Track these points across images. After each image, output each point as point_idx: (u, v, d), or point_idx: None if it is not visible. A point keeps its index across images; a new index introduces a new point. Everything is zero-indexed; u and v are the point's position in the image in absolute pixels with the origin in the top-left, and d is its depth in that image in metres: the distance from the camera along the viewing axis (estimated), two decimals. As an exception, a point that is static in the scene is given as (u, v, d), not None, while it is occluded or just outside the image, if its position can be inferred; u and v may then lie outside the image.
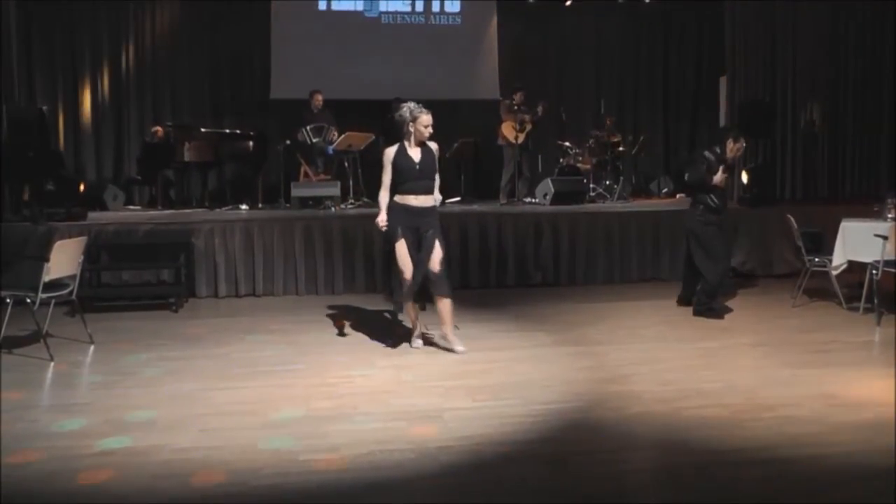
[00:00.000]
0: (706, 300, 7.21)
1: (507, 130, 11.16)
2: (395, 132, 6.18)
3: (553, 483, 3.71)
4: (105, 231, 8.41)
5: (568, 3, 13.87)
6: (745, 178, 10.62)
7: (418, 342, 6.16)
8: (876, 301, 7.00)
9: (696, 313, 7.23)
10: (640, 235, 9.34)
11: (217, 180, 12.21)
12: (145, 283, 8.41)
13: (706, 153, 7.31)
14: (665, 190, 12.88)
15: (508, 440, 4.18)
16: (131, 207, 11.31)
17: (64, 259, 5.93)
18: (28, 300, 5.73)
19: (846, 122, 11.54)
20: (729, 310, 7.38)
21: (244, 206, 10.46)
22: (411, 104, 5.96)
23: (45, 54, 11.89)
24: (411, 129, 5.88)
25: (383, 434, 4.26)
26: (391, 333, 6.57)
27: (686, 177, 7.63)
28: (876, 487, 3.62)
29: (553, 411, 4.63)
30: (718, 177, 7.12)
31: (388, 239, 6.01)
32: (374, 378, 5.37)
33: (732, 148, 7.26)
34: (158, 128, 11.56)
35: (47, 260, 5.72)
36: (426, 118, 5.88)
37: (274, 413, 4.61)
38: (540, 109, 11.16)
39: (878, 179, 11.18)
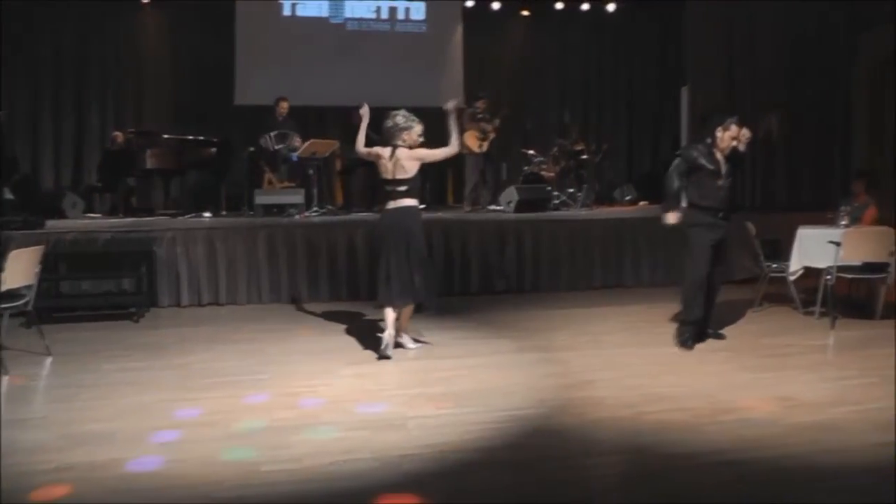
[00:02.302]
0: (684, 325, 6.42)
1: (470, 140, 11.20)
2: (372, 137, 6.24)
3: (517, 489, 3.73)
4: (64, 240, 8.26)
5: (525, 12, 13.99)
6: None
7: (390, 349, 6.11)
8: (830, 305, 7.14)
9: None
10: (604, 242, 9.43)
11: (180, 188, 12.12)
12: (105, 293, 8.28)
13: (693, 148, 6.38)
14: (628, 197, 13.00)
15: (472, 447, 4.19)
16: (91, 215, 11.14)
17: (19, 269, 5.83)
18: (-20, 312, 5.62)
19: (803, 133, 11.73)
20: (722, 336, 6.67)
21: (207, 214, 10.38)
22: (404, 112, 6.13)
23: (2, 58, 11.71)
24: (405, 138, 6.04)
25: (346, 443, 4.24)
26: (355, 342, 6.57)
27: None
28: (831, 487, 3.69)
29: (517, 418, 4.65)
30: (669, 216, 6.26)
31: (420, 243, 6.10)
32: (338, 387, 5.35)
33: (724, 137, 6.26)
34: (119, 134, 11.44)
35: (1, 270, 5.61)
36: (421, 128, 6.14)
37: (236, 424, 4.58)
38: (501, 115, 11.21)
39: (834, 188, 11.38)
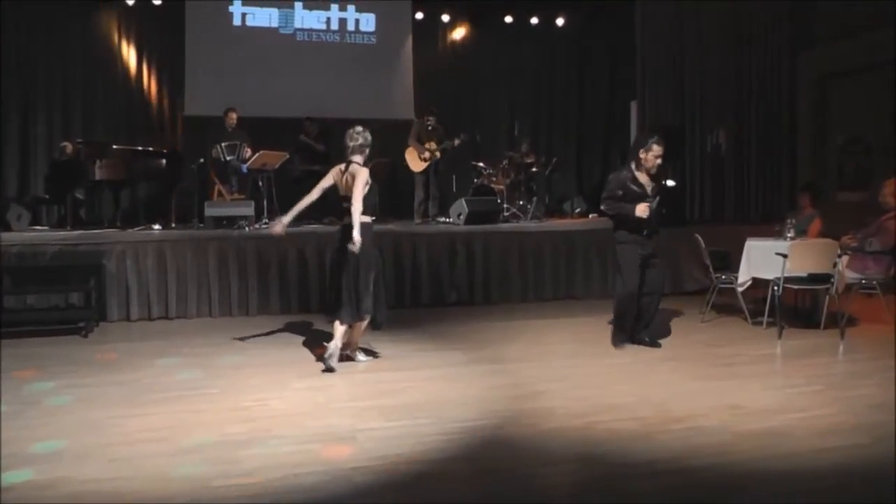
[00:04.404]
0: (617, 330, 6.83)
1: (412, 160, 11.20)
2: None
3: (470, 501, 3.74)
4: (8, 253, 8.08)
5: (475, 25, 14.13)
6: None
7: (334, 361, 6.09)
8: (777, 315, 7.29)
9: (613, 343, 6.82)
10: (554, 254, 9.50)
11: (129, 199, 11.93)
12: (53, 308, 8.12)
13: (619, 177, 6.63)
14: (578, 210, 13.14)
15: (424, 459, 4.19)
16: (38, 228, 10.90)
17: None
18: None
19: (750, 147, 12.00)
20: (657, 343, 6.86)
21: (157, 227, 10.22)
22: (359, 128, 6.12)
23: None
24: (366, 153, 6.06)
25: (298, 457, 4.22)
26: (306, 355, 6.54)
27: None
28: (776, 490, 3.78)
29: (468, 429, 4.66)
30: (641, 208, 6.41)
31: (375, 262, 6.05)
32: (289, 400, 5.31)
33: (648, 157, 6.48)
34: (68, 144, 11.24)
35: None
36: None
37: (186, 439, 4.51)
38: (455, 142, 11.21)
39: (780, 201, 11.65)
